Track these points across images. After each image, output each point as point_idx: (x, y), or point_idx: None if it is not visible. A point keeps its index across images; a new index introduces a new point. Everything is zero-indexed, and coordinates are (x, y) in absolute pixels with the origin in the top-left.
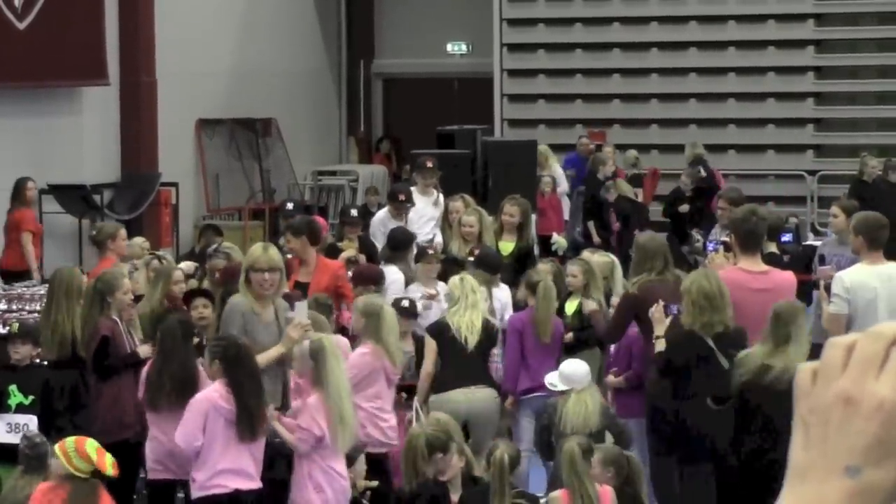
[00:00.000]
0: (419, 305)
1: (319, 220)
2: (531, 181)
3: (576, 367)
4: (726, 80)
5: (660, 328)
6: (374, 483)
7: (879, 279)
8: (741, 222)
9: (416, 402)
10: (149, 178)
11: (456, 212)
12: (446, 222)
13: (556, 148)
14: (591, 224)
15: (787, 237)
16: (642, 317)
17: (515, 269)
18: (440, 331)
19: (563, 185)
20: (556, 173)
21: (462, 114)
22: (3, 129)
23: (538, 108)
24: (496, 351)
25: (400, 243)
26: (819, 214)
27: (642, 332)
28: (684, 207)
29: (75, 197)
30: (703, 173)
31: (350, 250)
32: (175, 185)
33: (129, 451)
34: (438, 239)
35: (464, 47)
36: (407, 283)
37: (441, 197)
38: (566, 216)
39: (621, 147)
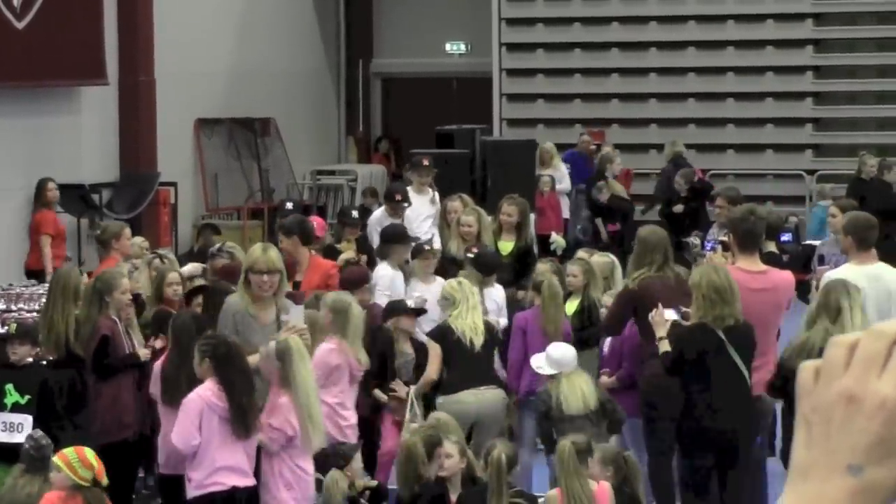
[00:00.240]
0: (410, 304)
1: (317, 219)
2: (530, 181)
3: (564, 351)
4: (725, 79)
5: (661, 330)
6: (374, 483)
7: (867, 279)
8: (740, 222)
9: (412, 394)
10: (147, 178)
11: (454, 211)
12: (444, 221)
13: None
14: (599, 221)
15: (786, 237)
16: (640, 314)
17: (515, 269)
18: (443, 334)
19: (566, 183)
20: (560, 172)
21: (461, 113)
22: (1, 129)
23: (537, 107)
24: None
25: (390, 237)
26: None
27: (639, 329)
28: (678, 208)
29: (74, 196)
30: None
31: (349, 252)
32: (174, 184)
33: (128, 451)
34: (437, 239)
35: (462, 47)
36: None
37: (437, 195)
38: (566, 215)
39: (620, 147)
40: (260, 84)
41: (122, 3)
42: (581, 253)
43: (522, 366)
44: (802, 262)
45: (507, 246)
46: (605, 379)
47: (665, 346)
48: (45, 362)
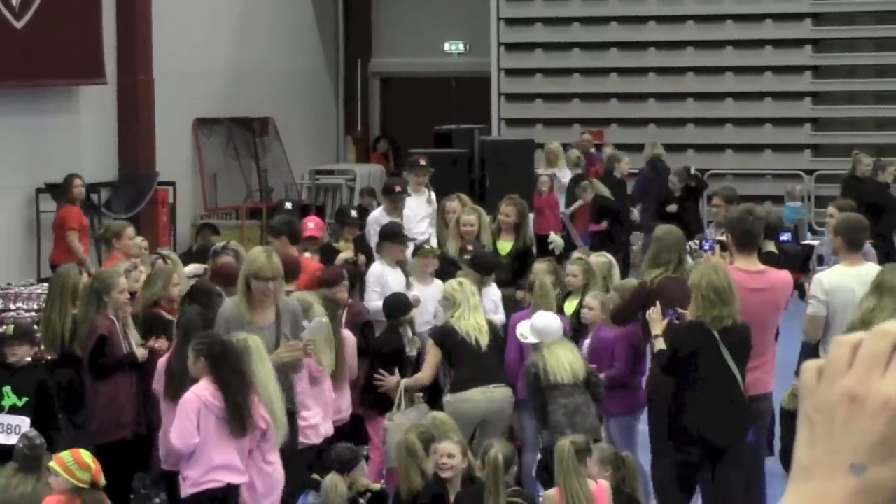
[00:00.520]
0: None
1: (315, 219)
2: (529, 180)
3: (547, 321)
4: (723, 79)
5: (657, 327)
6: (377, 486)
7: (858, 281)
8: (738, 221)
9: (402, 385)
10: (146, 178)
11: (453, 211)
12: (442, 221)
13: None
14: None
15: (785, 236)
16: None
17: (514, 269)
18: (447, 335)
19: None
20: (564, 172)
21: (459, 113)
22: (0, 129)
23: (536, 107)
24: None
25: (384, 234)
26: (816, 214)
27: (642, 327)
28: (672, 207)
29: None
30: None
31: (348, 252)
32: (172, 184)
33: (125, 451)
34: (433, 239)
35: (461, 46)
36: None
37: (433, 195)
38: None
39: (619, 147)
40: (259, 84)
41: (120, 2)
42: (579, 253)
43: (518, 365)
44: (801, 262)
45: (505, 246)
46: None
47: (660, 344)
48: (43, 362)
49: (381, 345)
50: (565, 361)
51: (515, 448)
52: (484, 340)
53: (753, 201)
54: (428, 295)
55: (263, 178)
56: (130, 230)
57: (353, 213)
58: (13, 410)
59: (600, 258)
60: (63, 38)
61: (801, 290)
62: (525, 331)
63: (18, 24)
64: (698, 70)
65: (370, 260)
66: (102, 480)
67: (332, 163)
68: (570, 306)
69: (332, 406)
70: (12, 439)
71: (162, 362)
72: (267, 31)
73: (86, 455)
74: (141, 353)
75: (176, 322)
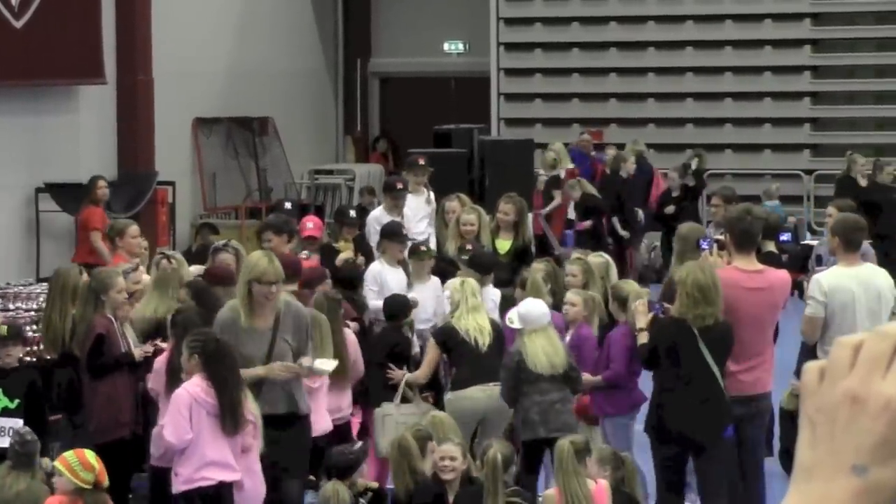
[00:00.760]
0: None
1: (314, 219)
2: (528, 180)
3: (531, 307)
4: (723, 79)
5: (642, 321)
6: (375, 484)
7: (857, 281)
8: (736, 221)
9: (403, 381)
10: (146, 177)
11: (452, 211)
12: (442, 221)
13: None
14: (615, 220)
15: (785, 236)
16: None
17: (513, 268)
18: (448, 335)
19: None
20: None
21: (459, 113)
22: (0, 128)
23: (535, 107)
24: None
25: (384, 233)
26: (816, 214)
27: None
28: (670, 209)
29: (72, 195)
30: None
31: (348, 252)
32: (172, 183)
33: (124, 450)
34: (433, 239)
35: (461, 46)
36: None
37: (432, 195)
38: (570, 215)
39: (619, 146)
40: (258, 83)
41: (120, 2)
42: (578, 253)
43: None
44: (801, 262)
45: (504, 245)
46: (589, 377)
47: (644, 339)
48: (35, 361)
49: (386, 345)
50: (541, 352)
51: (515, 448)
52: (484, 340)
53: (752, 201)
54: (426, 294)
55: (263, 178)
56: (134, 229)
57: (353, 212)
58: (5, 413)
59: (597, 258)
60: (62, 38)
61: (800, 289)
62: (513, 315)
63: (18, 24)
64: (697, 70)
65: (370, 260)
66: (106, 481)
67: (332, 163)
68: None
69: (325, 402)
70: (5, 442)
71: (160, 361)
72: (266, 31)
73: (90, 455)
74: (138, 352)
75: (172, 320)
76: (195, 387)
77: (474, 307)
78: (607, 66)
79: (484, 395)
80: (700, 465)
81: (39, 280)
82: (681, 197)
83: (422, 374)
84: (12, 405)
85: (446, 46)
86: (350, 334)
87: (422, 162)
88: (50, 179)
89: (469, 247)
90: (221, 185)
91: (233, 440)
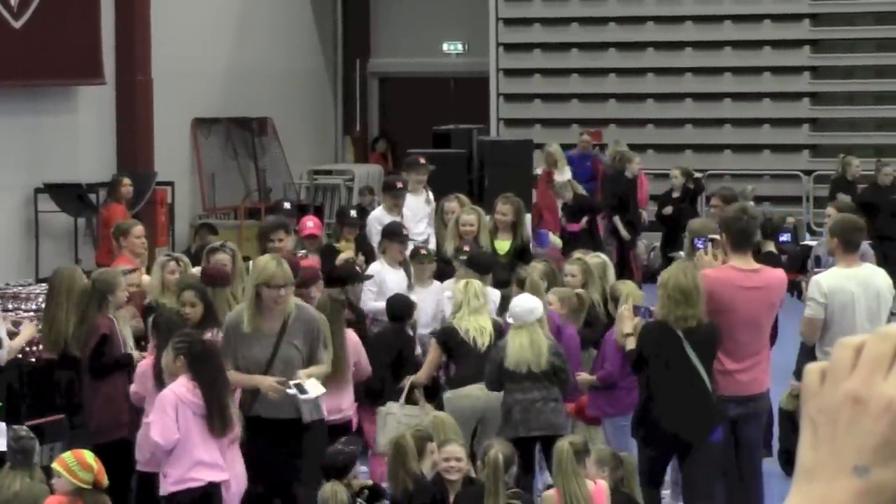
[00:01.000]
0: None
1: (313, 219)
2: (527, 180)
3: (521, 303)
4: (722, 79)
5: (628, 325)
6: (370, 482)
7: (857, 282)
8: (733, 221)
9: (407, 384)
10: (145, 177)
11: (451, 212)
12: (441, 222)
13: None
14: (616, 219)
15: (785, 237)
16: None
17: (513, 268)
18: (449, 335)
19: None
20: (564, 176)
21: (458, 113)
22: None
23: (534, 107)
24: None
25: (385, 233)
26: (815, 214)
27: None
28: (668, 210)
29: (71, 196)
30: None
31: (348, 252)
32: (171, 184)
33: (125, 450)
34: (432, 239)
35: (460, 47)
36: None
37: (431, 195)
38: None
39: (601, 147)
40: (257, 84)
41: (119, 2)
42: (577, 253)
43: None
44: (800, 262)
45: (503, 245)
46: (585, 377)
47: (631, 344)
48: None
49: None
50: (519, 349)
51: (515, 448)
52: (484, 341)
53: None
54: (427, 297)
55: (262, 178)
56: (138, 229)
57: (353, 213)
58: None
59: (595, 258)
60: (61, 38)
61: (797, 289)
62: (511, 310)
63: (17, 24)
64: (697, 70)
65: (370, 259)
66: (105, 481)
67: (331, 163)
68: None
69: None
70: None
71: (144, 365)
72: (266, 32)
73: (88, 456)
74: (137, 354)
75: (153, 322)
76: (181, 387)
77: (477, 309)
78: (606, 66)
79: (483, 393)
80: (686, 468)
81: (38, 280)
82: (680, 198)
83: (423, 374)
84: None
85: (445, 47)
86: (352, 335)
87: (421, 161)
88: (49, 180)
89: (467, 248)
90: (220, 185)
91: (220, 441)
